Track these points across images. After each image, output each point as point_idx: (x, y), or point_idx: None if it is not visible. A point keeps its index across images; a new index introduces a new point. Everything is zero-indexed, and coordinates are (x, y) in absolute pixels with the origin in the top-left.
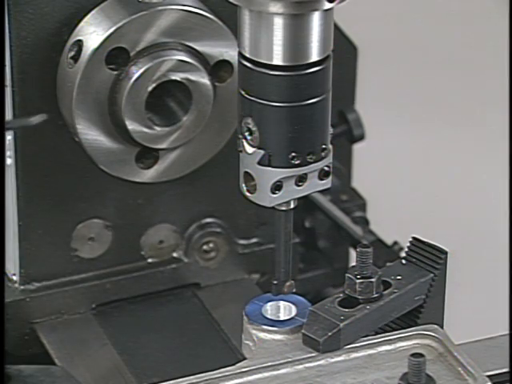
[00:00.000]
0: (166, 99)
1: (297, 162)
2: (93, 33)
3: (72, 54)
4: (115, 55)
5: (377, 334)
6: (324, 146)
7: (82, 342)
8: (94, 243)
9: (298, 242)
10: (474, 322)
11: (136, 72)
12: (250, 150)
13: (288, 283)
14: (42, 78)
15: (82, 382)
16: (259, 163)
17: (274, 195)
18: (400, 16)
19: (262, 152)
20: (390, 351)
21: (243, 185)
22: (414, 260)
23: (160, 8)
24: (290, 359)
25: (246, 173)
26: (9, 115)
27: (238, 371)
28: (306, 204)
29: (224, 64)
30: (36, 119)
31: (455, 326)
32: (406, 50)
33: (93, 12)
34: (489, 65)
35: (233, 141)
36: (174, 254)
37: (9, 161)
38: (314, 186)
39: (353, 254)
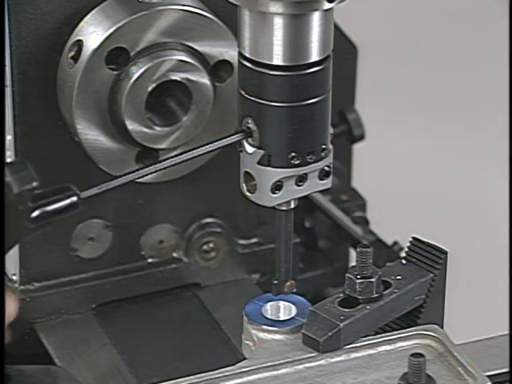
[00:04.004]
0: (166, 99)
1: (297, 162)
2: (93, 33)
3: (72, 54)
4: (115, 55)
5: (377, 333)
6: (324, 146)
7: (82, 342)
8: (94, 243)
9: (298, 241)
10: (474, 322)
11: (136, 72)
12: (250, 149)
13: (288, 283)
14: (42, 78)
15: (81, 382)
16: (259, 163)
17: (275, 195)
18: (400, 16)
19: (261, 152)
20: (389, 351)
21: (243, 185)
22: (414, 260)
23: (160, 8)
24: (290, 359)
25: (246, 173)
26: (9, 115)
27: (238, 371)
28: (306, 204)
29: (224, 64)
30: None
31: (455, 326)
32: (406, 50)
33: (93, 12)
34: (489, 65)
35: None
36: (174, 254)
37: (9, 161)
38: (315, 186)
39: (353, 254)
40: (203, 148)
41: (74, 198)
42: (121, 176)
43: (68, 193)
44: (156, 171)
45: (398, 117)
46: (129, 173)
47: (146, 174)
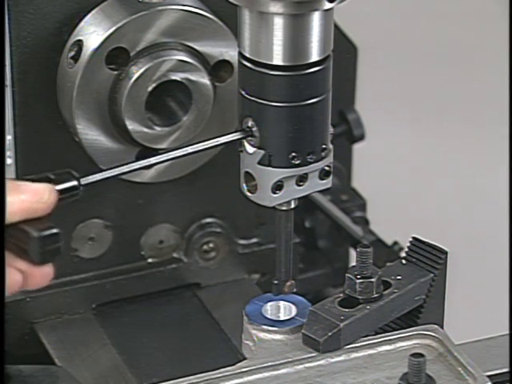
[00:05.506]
0: (166, 99)
1: (297, 162)
2: (93, 33)
3: (72, 54)
4: (115, 55)
5: (377, 334)
6: (324, 146)
7: (82, 342)
8: (94, 243)
9: (298, 241)
10: (474, 321)
11: (136, 72)
12: (250, 149)
13: (288, 283)
14: (42, 78)
15: (81, 382)
16: (260, 163)
17: (275, 195)
18: (400, 16)
19: (262, 152)
20: (389, 351)
21: (244, 185)
22: (414, 260)
23: (160, 8)
24: (289, 359)
25: (246, 173)
26: (9, 115)
27: (238, 371)
28: (306, 204)
29: (224, 64)
30: None
31: (455, 326)
32: (406, 50)
33: (93, 12)
34: (489, 65)
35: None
36: (174, 254)
37: (9, 161)
38: (315, 185)
39: (353, 253)
40: (203, 144)
41: (74, 183)
42: (121, 165)
43: (68, 178)
44: (156, 163)
45: (398, 117)
46: (129, 163)
47: (146, 167)
